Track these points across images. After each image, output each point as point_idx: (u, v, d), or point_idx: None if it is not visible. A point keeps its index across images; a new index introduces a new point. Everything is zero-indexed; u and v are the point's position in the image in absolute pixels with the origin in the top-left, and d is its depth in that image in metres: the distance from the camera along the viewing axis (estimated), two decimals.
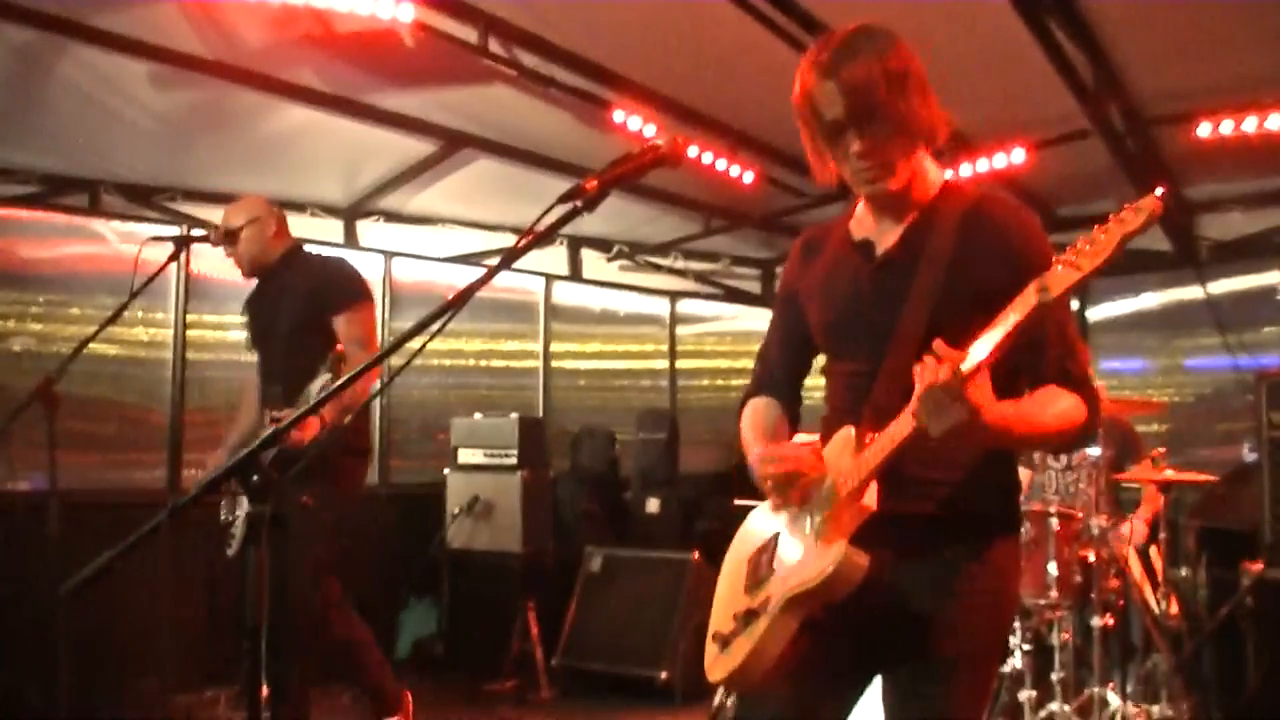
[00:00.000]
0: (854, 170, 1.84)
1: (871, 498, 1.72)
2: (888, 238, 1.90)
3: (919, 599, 1.81)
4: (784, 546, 1.86)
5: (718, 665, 1.89)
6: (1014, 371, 1.70)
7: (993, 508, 1.88)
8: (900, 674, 1.86)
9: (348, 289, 3.66)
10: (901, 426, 1.65)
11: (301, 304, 3.62)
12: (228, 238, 3.80)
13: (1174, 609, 4.21)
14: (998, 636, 1.97)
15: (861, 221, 1.97)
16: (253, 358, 3.85)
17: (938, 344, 1.56)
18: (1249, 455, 5.52)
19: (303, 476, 3.14)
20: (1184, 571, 4.58)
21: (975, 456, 1.82)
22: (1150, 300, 6.78)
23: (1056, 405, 1.75)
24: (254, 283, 3.92)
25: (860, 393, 1.86)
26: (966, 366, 1.53)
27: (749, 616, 1.84)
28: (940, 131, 1.88)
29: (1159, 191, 1.48)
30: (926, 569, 1.81)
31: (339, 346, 2.89)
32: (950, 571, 1.82)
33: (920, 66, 1.84)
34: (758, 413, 2.11)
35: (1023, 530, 3.96)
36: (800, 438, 2.05)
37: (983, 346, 1.54)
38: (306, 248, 3.92)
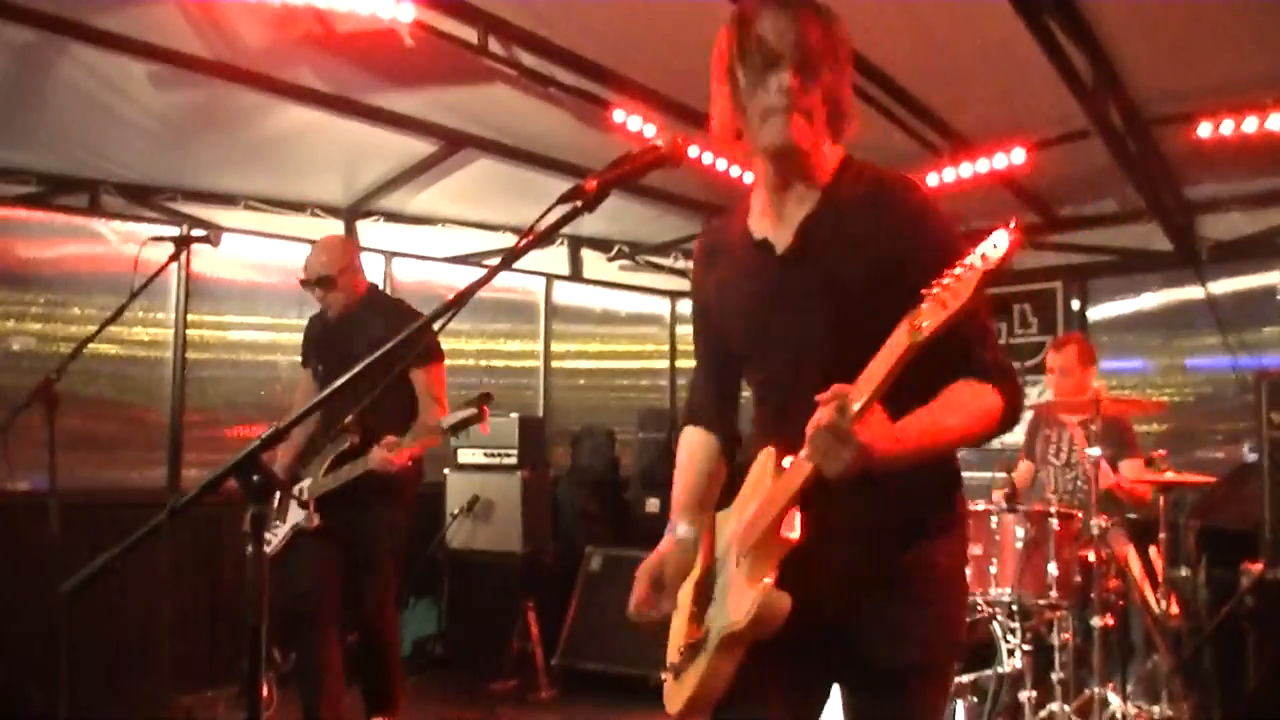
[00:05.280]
0: (769, 109, 1.73)
1: (792, 527, 1.67)
2: (786, 234, 1.81)
3: (867, 614, 1.76)
4: (721, 576, 1.83)
5: (673, 697, 1.88)
6: (924, 366, 1.55)
7: (932, 509, 1.82)
8: (855, 687, 1.83)
9: (430, 348, 3.89)
10: (801, 468, 1.59)
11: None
12: (322, 284, 3.98)
13: (1174, 609, 4.21)
14: (951, 641, 1.90)
15: (760, 217, 1.87)
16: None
17: (834, 387, 1.49)
18: (1249, 455, 5.52)
19: (378, 495, 3.78)
20: (1184, 571, 4.57)
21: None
22: (1150, 300, 6.78)
23: (967, 404, 1.67)
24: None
25: (778, 407, 1.82)
26: (854, 408, 1.47)
27: (693, 650, 1.83)
28: (848, 123, 1.80)
29: (1012, 224, 1.41)
30: (871, 582, 1.76)
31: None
32: (896, 582, 1.76)
33: (851, 51, 1.80)
34: (687, 454, 2.06)
35: (1022, 530, 3.97)
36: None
37: (866, 385, 1.47)
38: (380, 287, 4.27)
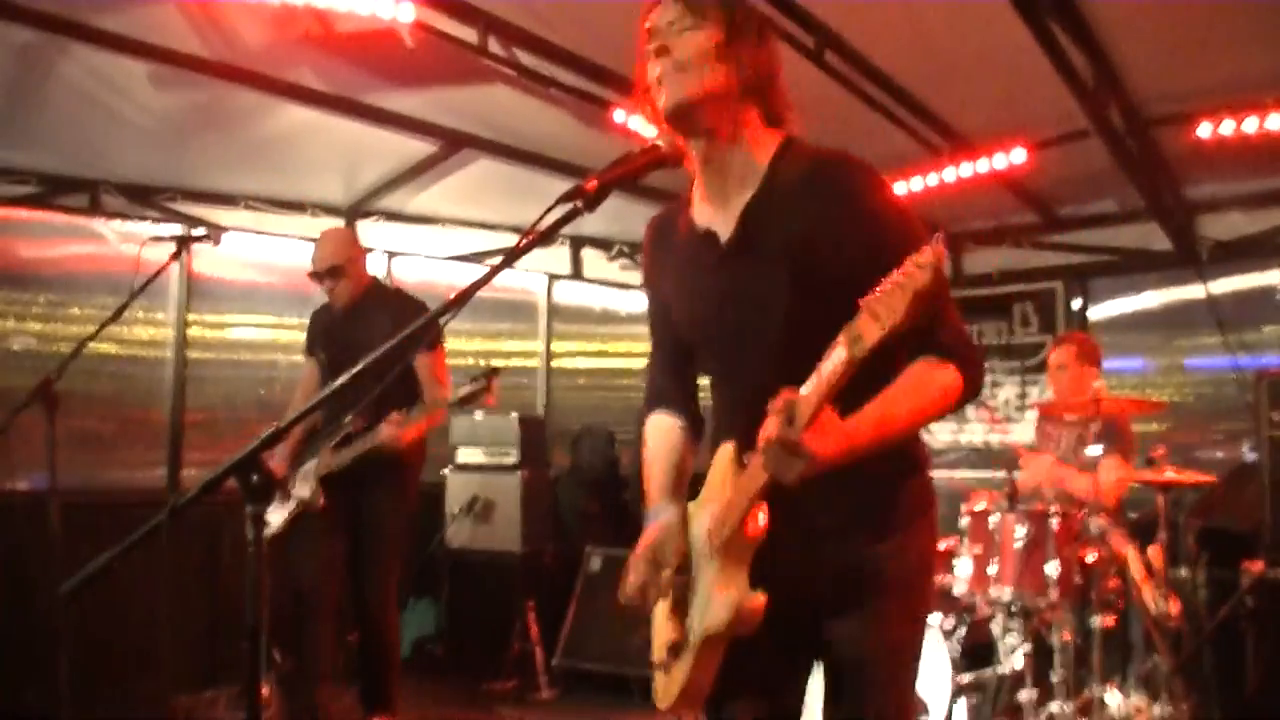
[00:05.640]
0: (656, 79, 1.74)
1: (757, 524, 1.70)
2: (729, 222, 1.80)
3: (839, 606, 1.79)
4: (696, 576, 1.85)
5: (663, 693, 1.91)
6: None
7: (898, 503, 1.83)
8: (829, 670, 1.85)
9: (432, 334, 3.91)
10: (757, 474, 1.61)
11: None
12: (332, 274, 4.08)
13: (1174, 609, 4.21)
14: (918, 626, 1.91)
15: (701, 205, 1.86)
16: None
17: (783, 394, 1.51)
18: (1249, 455, 5.52)
19: (382, 479, 3.85)
20: (1184, 571, 4.57)
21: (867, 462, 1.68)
22: (1150, 300, 6.77)
23: (922, 387, 1.66)
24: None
25: (733, 400, 1.84)
26: (799, 422, 1.48)
27: (676, 649, 1.86)
28: (782, 110, 1.79)
29: (938, 236, 1.38)
30: (843, 576, 1.79)
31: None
32: (867, 576, 1.79)
33: (778, 53, 1.80)
34: (657, 439, 2.04)
35: (1022, 530, 3.97)
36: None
37: (812, 395, 1.48)
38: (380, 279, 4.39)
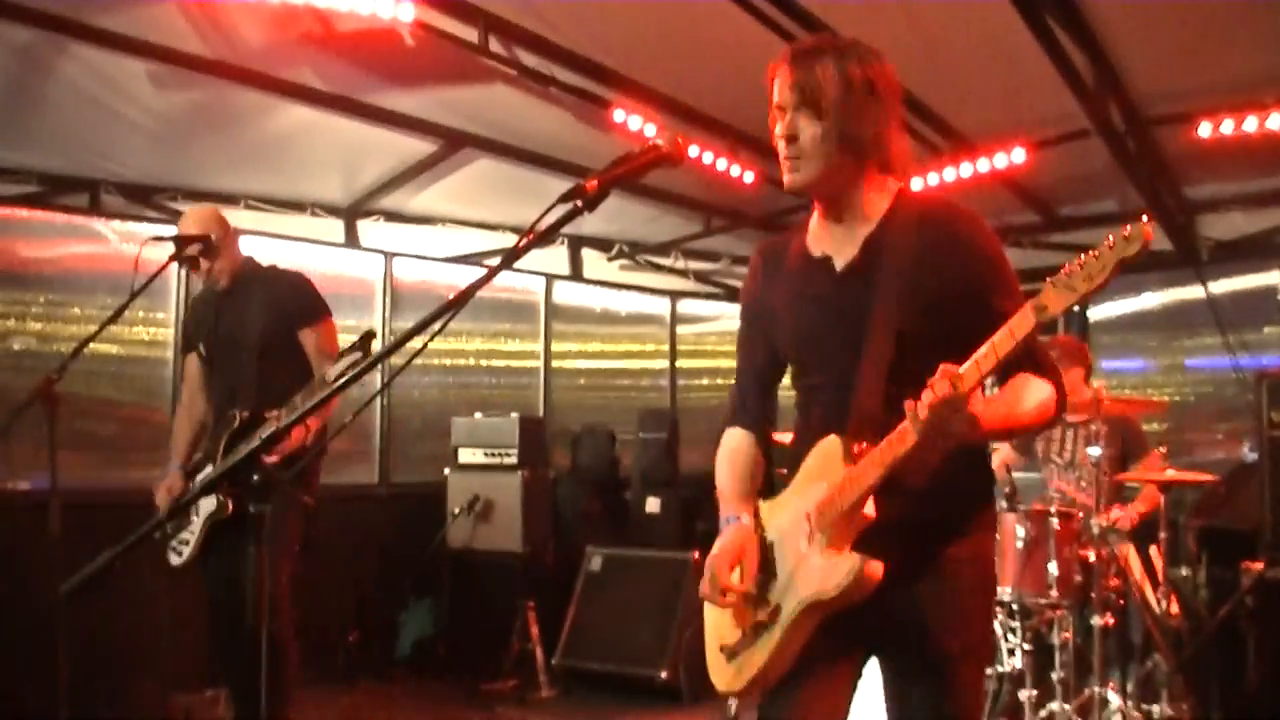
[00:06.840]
0: (781, 156, 1.93)
1: (870, 507, 1.79)
2: (846, 251, 1.96)
3: (912, 598, 1.86)
4: (784, 558, 1.92)
5: (727, 676, 1.97)
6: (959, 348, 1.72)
7: (972, 507, 1.96)
8: (899, 670, 1.93)
9: (315, 304, 3.79)
10: (901, 441, 1.71)
11: (271, 317, 3.71)
12: (207, 252, 3.77)
13: (1174, 609, 4.21)
14: (988, 624, 2.07)
15: (818, 237, 2.03)
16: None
17: (943, 367, 1.65)
18: (1249, 455, 5.52)
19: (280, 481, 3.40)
20: (1184, 571, 4.58)
21: (951, 456, 1.86)
22: (1150, 300, 6.78)
23: (1035, 395, 1.85)
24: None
25: (835, 404, 1.93)
26: (967, 382, 1.62)
27: (759, 629, 1.90)
28: (894, 158, 1.95)
29: (1145, 218, 1.53)
30: (916, 568, 1.86)
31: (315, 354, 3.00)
32: (939, 567, 1.88)
33: (894, 89, 1.94)
34: (733, 455, 2.16)
35: (1022, 529, 3.97)
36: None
37: (981, 363, 1.64)
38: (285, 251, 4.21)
